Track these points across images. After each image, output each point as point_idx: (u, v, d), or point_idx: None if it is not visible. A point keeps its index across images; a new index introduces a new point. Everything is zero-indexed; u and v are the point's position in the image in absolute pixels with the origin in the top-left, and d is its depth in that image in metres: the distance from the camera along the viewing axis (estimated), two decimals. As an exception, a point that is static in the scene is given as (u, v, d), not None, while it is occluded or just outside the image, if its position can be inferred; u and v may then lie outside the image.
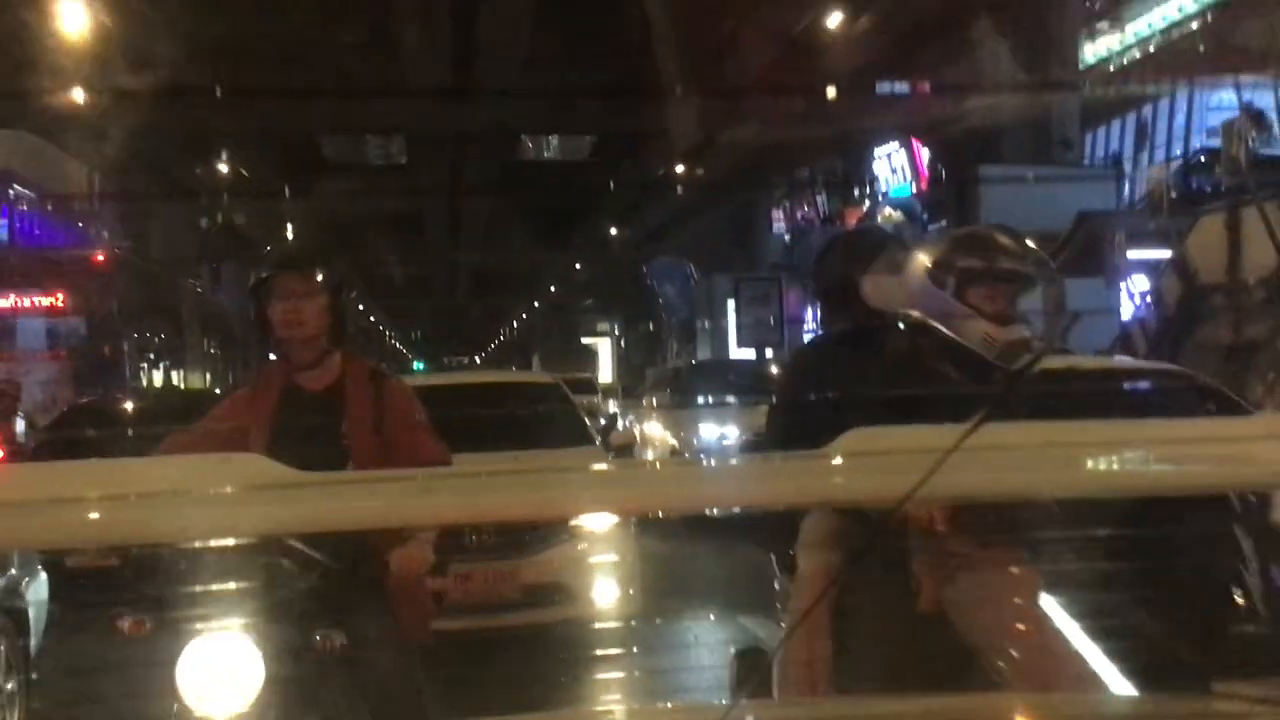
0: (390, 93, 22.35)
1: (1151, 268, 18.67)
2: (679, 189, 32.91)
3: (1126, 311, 18.41)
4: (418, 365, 50.57)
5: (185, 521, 1.34)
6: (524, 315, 55.22)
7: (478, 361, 51.46)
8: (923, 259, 3.30)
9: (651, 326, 46.88)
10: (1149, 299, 17.28)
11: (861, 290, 3.56)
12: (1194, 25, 22.00)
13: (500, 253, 38.17)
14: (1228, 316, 14.09)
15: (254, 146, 25.62)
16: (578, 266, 44.34)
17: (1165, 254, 17.85)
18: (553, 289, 48.48)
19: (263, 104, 20.52)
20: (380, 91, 22.27)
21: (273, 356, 3.66)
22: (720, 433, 14.78)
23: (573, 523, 6.86)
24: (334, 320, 3.41)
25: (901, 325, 3.37)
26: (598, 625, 7.34)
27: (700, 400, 16.98)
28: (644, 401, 19.61)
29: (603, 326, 48.49)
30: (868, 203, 36.51)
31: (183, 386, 22.10)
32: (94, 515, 1.28)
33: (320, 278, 3.42)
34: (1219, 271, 14.79)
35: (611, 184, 32.30)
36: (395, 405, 3.48)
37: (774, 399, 4.98)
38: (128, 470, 1.45)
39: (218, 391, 18.31)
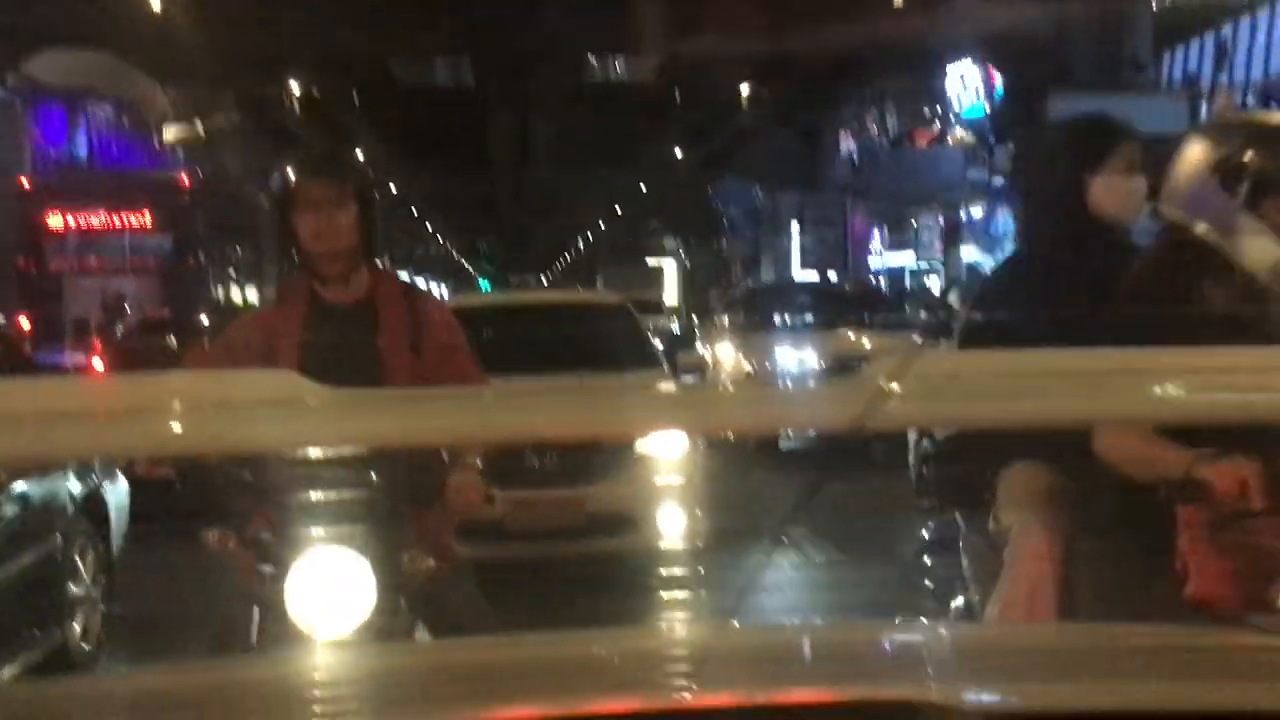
0: (457, 13, 22.54)
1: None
2: (745, 109, 32.79)
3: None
4: (483, 284, 51.21)
5: (221, 435, 1.29)
6: (589, 236, 55.49)
7: (543, 281, 51.92)
8: (1204, 153, 2.60)
9: (716, 248, 46.96)
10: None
11: (1090, 195, 3.06)
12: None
13: (566, 174, 38.41)
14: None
15: (326, 69, 26.02)
16: (643, 187, 44.43)
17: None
18: (618, 210, 48.64)
19: (336, 26, 20.89)
20: (447, 12, 22.46)
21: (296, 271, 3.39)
22: (795, 357, 14.02)
23: (639, 451, 6.80)
24: (364, 232, 3.18)
25: (1155, 238, 2.77)
26: (663, 552, 7.17)
27: (772, 321, 16.33)
28: (713, 322, 19.08)
29: (668, 247, 48.64)
30: (938, 123, 36.11)
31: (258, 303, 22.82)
32: (125, 427, 1.25)
33: (350, 186, 3.21)
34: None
35: (677, 104, 32.28)
36: (433, 325, 3.28)
37: (963, 324, 4.59)
38: (160, 384, 1.40)
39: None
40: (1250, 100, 24.29)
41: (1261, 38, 28.96)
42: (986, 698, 1.49)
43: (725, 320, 17.97)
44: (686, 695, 1.24)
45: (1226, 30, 29.46)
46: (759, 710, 1.30)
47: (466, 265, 62.39)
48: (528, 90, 29.33)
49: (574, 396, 1.40)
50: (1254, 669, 1.58)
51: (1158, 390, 1.29)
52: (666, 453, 6.98)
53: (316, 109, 28.33)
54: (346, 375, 1.99)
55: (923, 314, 16.27)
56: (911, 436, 7.32)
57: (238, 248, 20.30)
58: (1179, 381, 1.28)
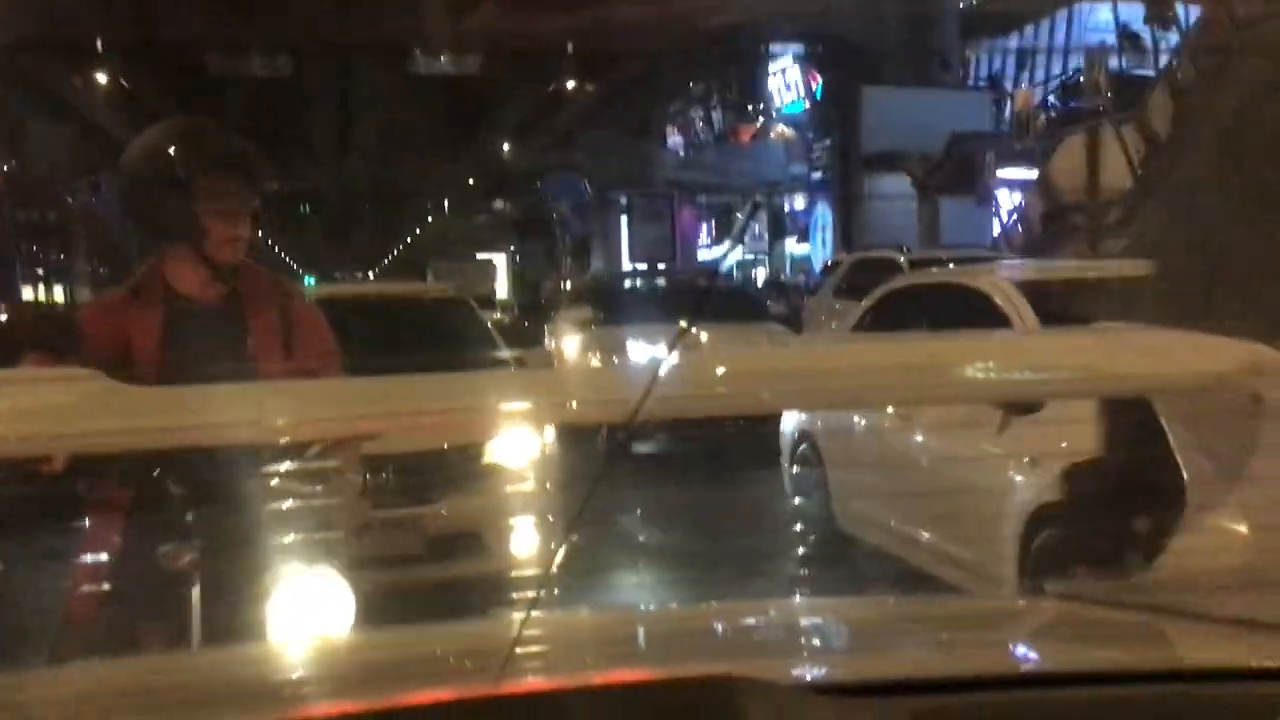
0: (278, 4, 21.94)
1: (1019, 186, 19.48)
2: (574, 104, 32.88)
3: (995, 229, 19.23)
4: (307, 280, 49.91)
5: (33, 436, 1.29)
6: (417, 230, 54.73)
7: (370, 277, 50.96)
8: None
9: (546, 242, 46.96)
10: (1014, 217, 18.07)
11: None
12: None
13: (393, 167, 37.80)
14: (1085, 235, 14.84)
15: (136, 58, 24.97)
16: (471, 182, 44.08)
17: (1032, 174, 18.62)
18: (446, 204, 48.14)
19: (146, 14, 20.06)
20: (268, 2, 21.84)
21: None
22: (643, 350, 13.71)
23: (485, 462, 6.17)
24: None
25: None
26: (516, 577, 6.10)
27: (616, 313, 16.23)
28: (551, 317, 19.12)
29: (497, 242, 48.40)
30: (761, 119, 36.90)
31: (69, 301, 21.79)
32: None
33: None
34: (1079, 191, 15.56)
35: (506, 98, 32.14)
36: (306, 329, 3.05)
37: None
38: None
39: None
40: (1051, 99, 25.60)
41: (1060, 39, 30.59)
42: (809, 671, 1.54)
43: (567, 313, 17.96)
44: (502, 683, 1.26)
45: (1028, 33, 31.05)
46: (574, 693, 1.31)
47: (288, 260, 60.75)
48: (351, 83, 28.75)
49: (415, 386, 1.41)
50: (1076, 635, 1.69)
51: (913, 378, 1.43)
52: (516, 461, 6.26)
53: (126, 100, 27.16)
54: (213, 378, 1.91)
55: (769, 303, 16.62)
56: (785, 433, 7.50)
57: (43, 244, 19.33)
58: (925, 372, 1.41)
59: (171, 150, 2.92)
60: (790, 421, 7.52)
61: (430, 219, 51.21)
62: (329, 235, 54.87)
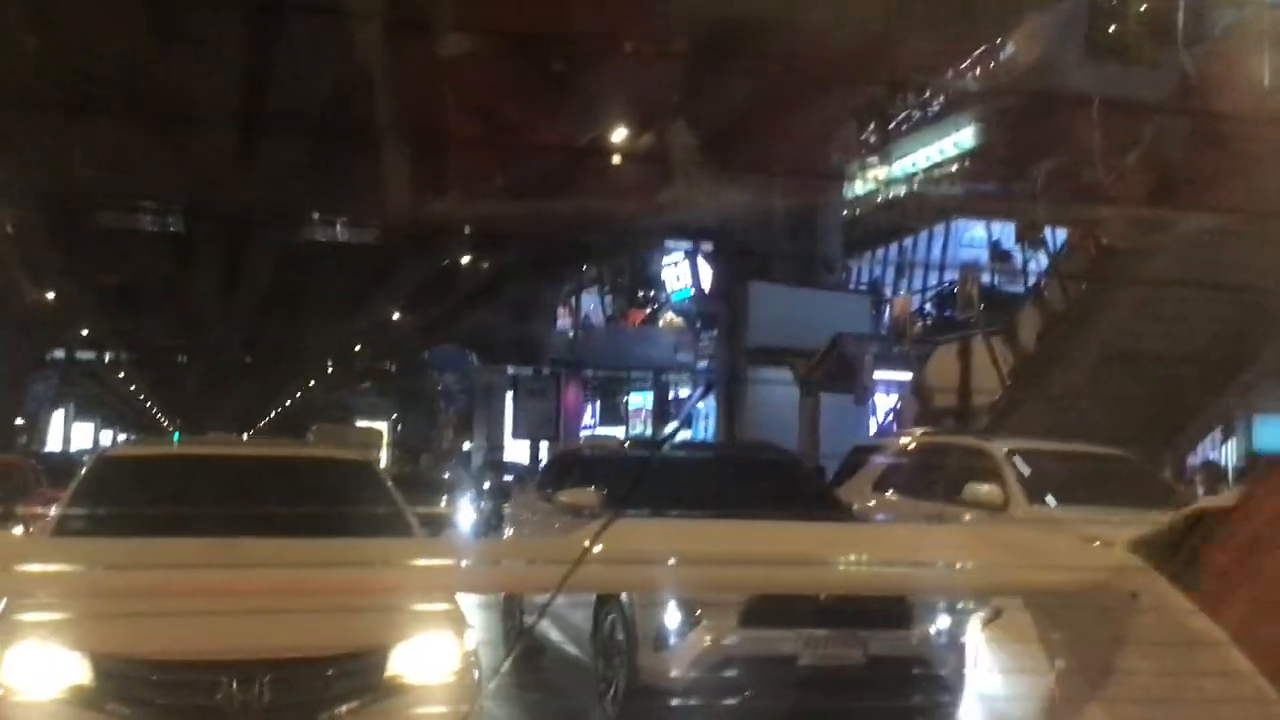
0: (167, 163, 21.90)
1: (896, 388, 20.15)
2: (466, 279, 33.21)
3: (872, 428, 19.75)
4: (175, 436, 48.48)
5: None
6: (298, 394, 53.90)
7: (244, 439, 49.63)
8: None
9: (429, 413, 46.65)
10: (891, 417, 18.64)
11: None
12: (952, 168, 23.92)
13: (278, 330, 37.42)
14: (958, 438, 15.36)
15: (25, 206, 24.59)
16: (358, 348, 43.83)
17: (908, 376, 19.32)
18: (330, 370, 47.65)
19: (34, 160, 19.85)
20: (156, 160, 21.80)
21: None
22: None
23: (387, 674, 4.66)
24: None
25: None
26: None
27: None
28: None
29: (380, 409, 47.91)
30: (650, 305, 37.73)
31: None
32: None
33: None
34: (951, 395, 16.20)
35: (398, 268, 32.31)
36: None
37: None
38: None
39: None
40: (927, 307, 26.75)
41: (936, 253, 32.18)
42: None
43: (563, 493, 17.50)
44: None
45: (907, 244, 32.64)
46: None
47: (161, 417, 59.10)
48: (242, 243, 28.62)
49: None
50: None
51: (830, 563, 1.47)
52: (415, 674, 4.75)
53: (10, 249, 26.56)
54: None
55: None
56: None
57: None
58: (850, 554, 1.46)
59: None
60: None
61: (313, 383, 50.56)
62: (207, 394, 53.67)
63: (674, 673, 6.82)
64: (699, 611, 6.80)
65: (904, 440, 11.87)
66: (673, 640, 6.92)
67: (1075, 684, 2.76)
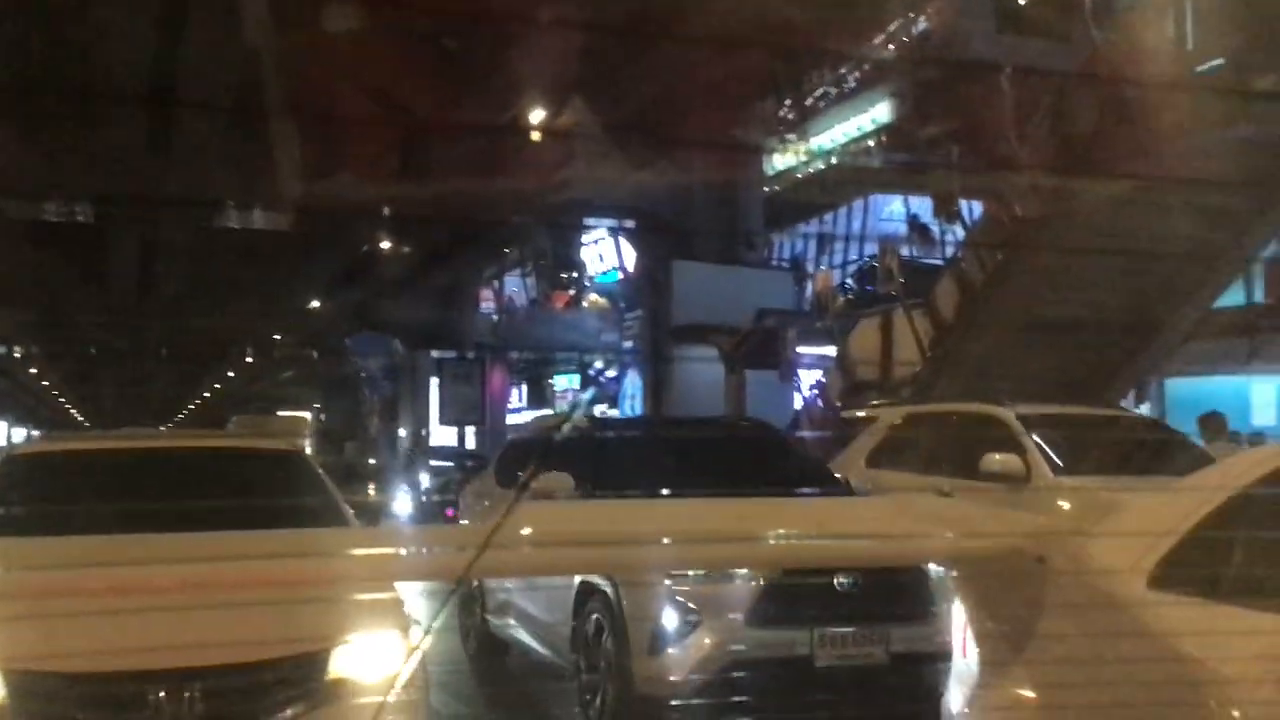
0: (81, 150, 21.35)
1: (819, 363, 20.33)
2: (387, 264, 32.83)
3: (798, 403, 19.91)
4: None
5: None
6: (218, 386, 52.99)
7: (163, 431, 48.63)
8: None
9: (352, 400, 46.13)
10: (815, 392, 18.81)
11: None
12: (870, 143, 24.14)
13: (195, 319, 36.70)
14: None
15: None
16: (278, 337, 43.16)
17: (831, 351, 19.51)
18: (250, 360, 46.89)
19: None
20: (71, 148, 21.24)
21: None
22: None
23: (331, 676, 4.37)
24: None
25: None
26: None
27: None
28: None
29: (302, 398, 47.26)
30: (574, 288, 37.61)
31: None
32: None
33: None
34: (873, 369, 16.39)
35: (317, 255, 31.85)
36: None
37: None
38: None
39: None
40: (849, 282, 27.02)
41: (856, 226, 32.51)
42: None
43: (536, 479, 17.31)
44: None
45: (828, 219, 32.94)
46: None
47: (75, 412, 57.78)
48: (155, 232, 27.99)
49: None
50: None
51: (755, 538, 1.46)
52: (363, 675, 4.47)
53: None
54: None
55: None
56: None
57: None
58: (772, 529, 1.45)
59: None
60: None
61: (232, 373, 49.71)
62: (123, 386, 52.55)
63: (674, 678, 6.21)
64: (699, 611, 6.18)
65: (887, 412, 11.09)
66: (671, 644, 6.23)
67: (997, 648, 2.81)
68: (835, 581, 6.12)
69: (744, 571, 6.03)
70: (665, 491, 6.20)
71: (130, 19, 16.57)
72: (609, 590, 6.47)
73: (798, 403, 19.83)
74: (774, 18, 15.40)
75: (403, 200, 23.54)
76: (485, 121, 20.75)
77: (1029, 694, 2.68)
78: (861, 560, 4.95)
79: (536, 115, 21.15)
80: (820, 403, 17.84)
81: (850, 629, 6.15)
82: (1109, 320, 13.54)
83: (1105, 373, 14.21)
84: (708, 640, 6.14)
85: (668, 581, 6.18)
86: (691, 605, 6.18)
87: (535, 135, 21.47)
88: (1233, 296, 16.58)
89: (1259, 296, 17.94)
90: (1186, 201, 12.19)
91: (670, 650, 6.20)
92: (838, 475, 8.64)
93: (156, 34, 16.80)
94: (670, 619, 6.22)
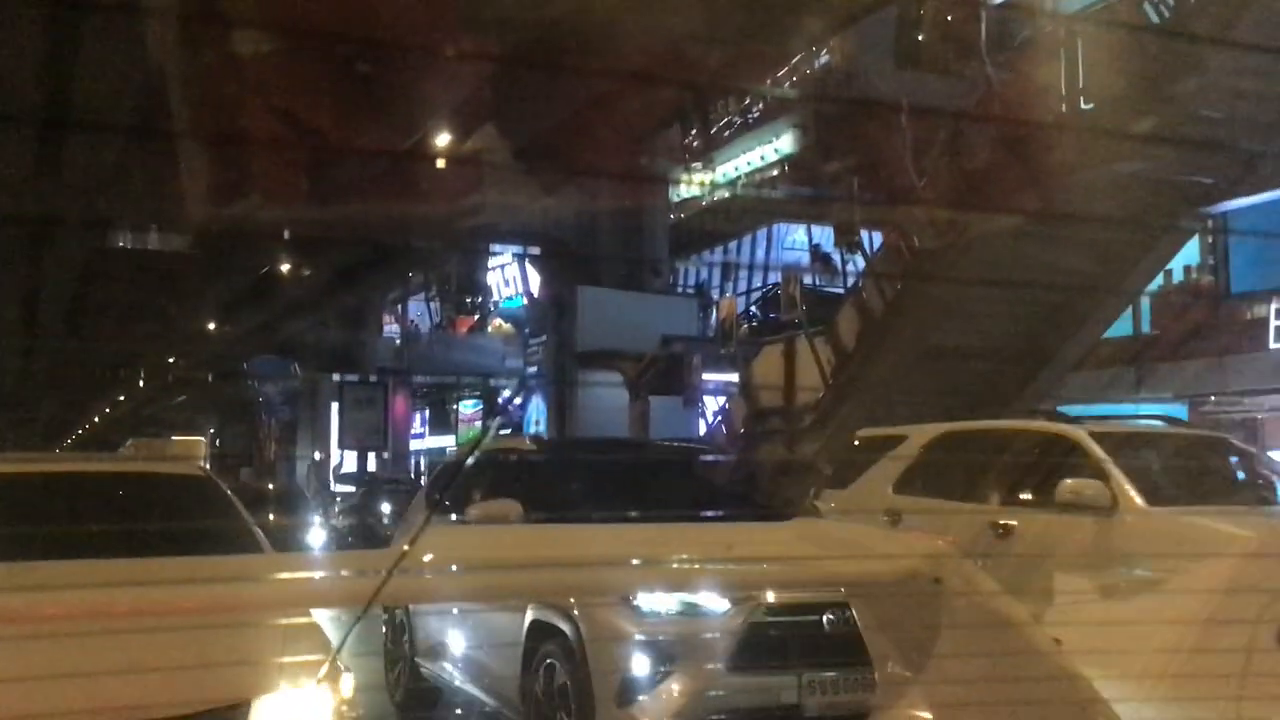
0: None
1: (723, 389, 20.51)
2: (286, 287, 32.33)
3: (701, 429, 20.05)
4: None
5: None
6: (108, 410, 51.52)
7: (57, 454, 47.07)
8: None
9: (249, 424, 45.26)
10: (719, 418, 18.98)
11: None
12: (774, 173, 24.48)
13: (84, 343, 35.67)
14: (783, 437, 15.78)
15: None
16: (171, 360, 42.16)
17: (735, 378, 19.71)
18: (143, 383, 45.71)
19: None
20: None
21: None
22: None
23: None
24: None
25: None
26: None
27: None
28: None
29: (196, 422, 46.21)
30: (479, 313, 37.45)
31: None
32: None
33: None
34: (777, 395, 16.60)
35: (213, 276, 31.22)
36: None
37: None
38: None
39: None
40: (752, 309, 27.35)
41: (760, 255, 32.93)
42: None
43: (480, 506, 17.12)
44: None
45: (732, 246, 33.29)
46: None
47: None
48: (43, 251, 27.18)
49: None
50: None
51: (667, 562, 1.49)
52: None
53: None
54: None
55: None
56: None
57: None
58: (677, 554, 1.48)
59: None
60: None
61: (124, 397, 48.38)
62: (8, 410, 50.77)
63: None
64: (674, 655, 5.53)
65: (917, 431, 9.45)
66: (642, 692, 5.55)
67: (894, 669, 2.87)
68: (823, 619, 5.53)
69: (724, 609, 5.59)
70: (599, 516, 5.65)
71: (21, 36, 16.15)
72: (568, 629, 5.79)
73: (702, 429, 19.97)
74: (682, 50, 15.58)
75: (308, 222, 23.22)
76: (394, 145, 20.60)
77: (925, 715, 2.75)
78: (764, 585, 4.89)
79: (446, 140, 21.06)
80: (725, 429, 18.00)
81: (839, 673, 5.52)
82: (1002, 348, 13.92)
83: (999, 400, 14.59)
84: (684, 687, 5.50)
85: (638, 620, 5.61)
86: (665, 648, 5.55)
87: (443, 160, 21.37)
88: (1121, 327, 17.14)
89: (1146, 328, 18.57)
90: (1076, 236, 12.62)
91: (641, 699, 5.55)
92: (774, 501, 8.18)
93: (50, 51, 16.37)
94: (641, 664, 5.57)
